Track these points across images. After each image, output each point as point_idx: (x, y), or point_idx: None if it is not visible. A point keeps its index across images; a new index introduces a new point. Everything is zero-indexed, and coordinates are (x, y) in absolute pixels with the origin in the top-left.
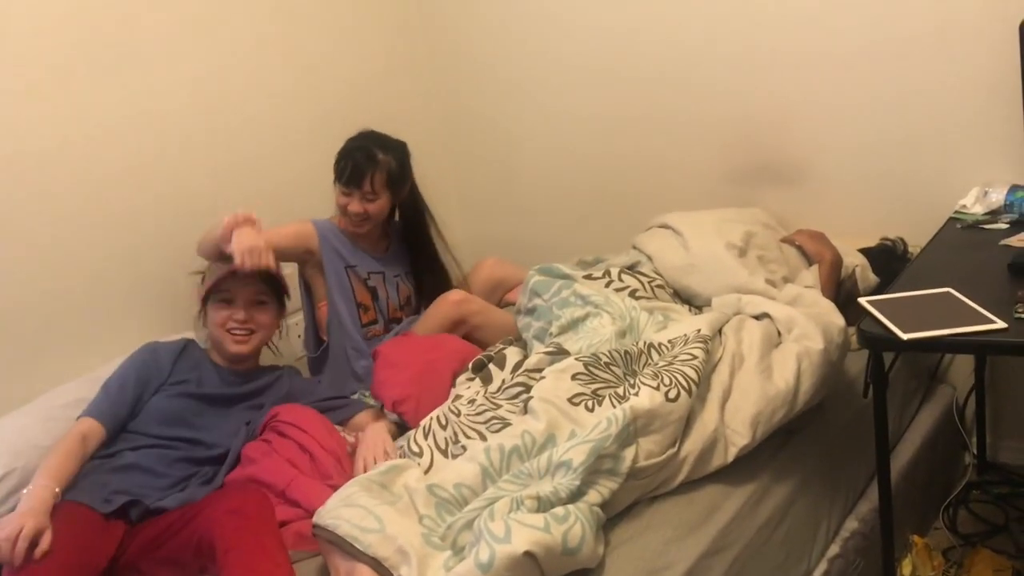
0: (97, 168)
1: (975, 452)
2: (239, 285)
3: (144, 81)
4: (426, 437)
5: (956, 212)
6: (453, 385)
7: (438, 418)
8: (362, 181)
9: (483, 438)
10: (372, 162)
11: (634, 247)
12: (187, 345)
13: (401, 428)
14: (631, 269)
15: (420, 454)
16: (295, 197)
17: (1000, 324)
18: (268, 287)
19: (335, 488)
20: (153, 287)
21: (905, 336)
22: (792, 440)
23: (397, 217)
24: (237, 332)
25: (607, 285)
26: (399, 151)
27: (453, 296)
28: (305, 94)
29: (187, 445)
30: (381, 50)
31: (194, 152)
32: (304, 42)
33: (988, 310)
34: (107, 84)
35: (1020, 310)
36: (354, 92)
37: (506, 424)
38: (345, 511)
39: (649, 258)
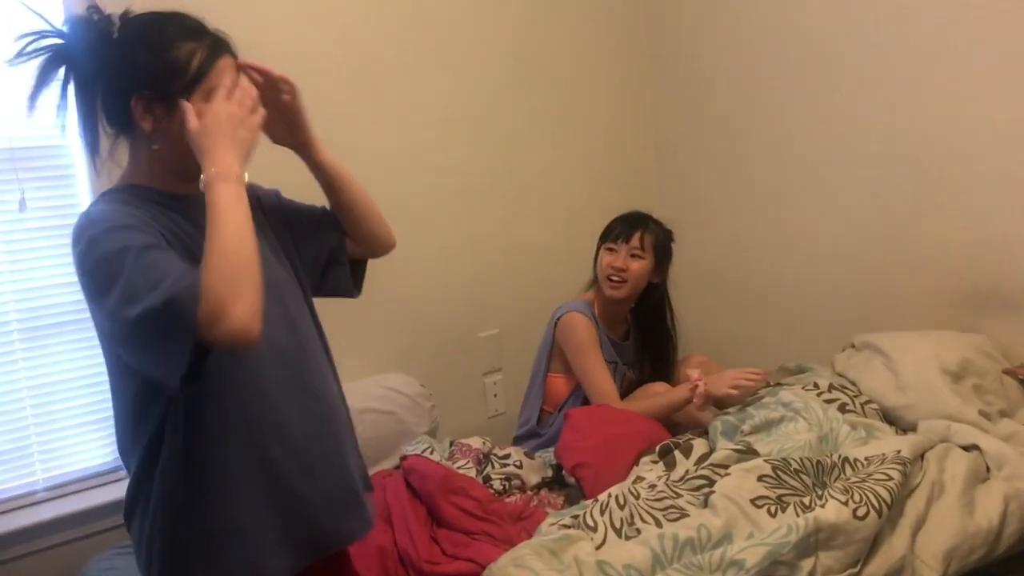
0: None
1: None
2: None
3: None
4: (602, 513)
5: None
6: (636, 464)
7: (617, 497)
8: (631, 235)
9: (659, 524)
10: (644, 221)
11: (834, 370)
12: None
13: (577, 492)
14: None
15: (594, 529)
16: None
17: None
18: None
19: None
20: None
21: None
22: None
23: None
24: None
25: (818, 395)
26: (668, 230)
27: None
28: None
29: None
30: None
31: None
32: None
33: None
34: None
35: None
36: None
37: (684, 515)
38: (514, 571)
39: (853, 383)
